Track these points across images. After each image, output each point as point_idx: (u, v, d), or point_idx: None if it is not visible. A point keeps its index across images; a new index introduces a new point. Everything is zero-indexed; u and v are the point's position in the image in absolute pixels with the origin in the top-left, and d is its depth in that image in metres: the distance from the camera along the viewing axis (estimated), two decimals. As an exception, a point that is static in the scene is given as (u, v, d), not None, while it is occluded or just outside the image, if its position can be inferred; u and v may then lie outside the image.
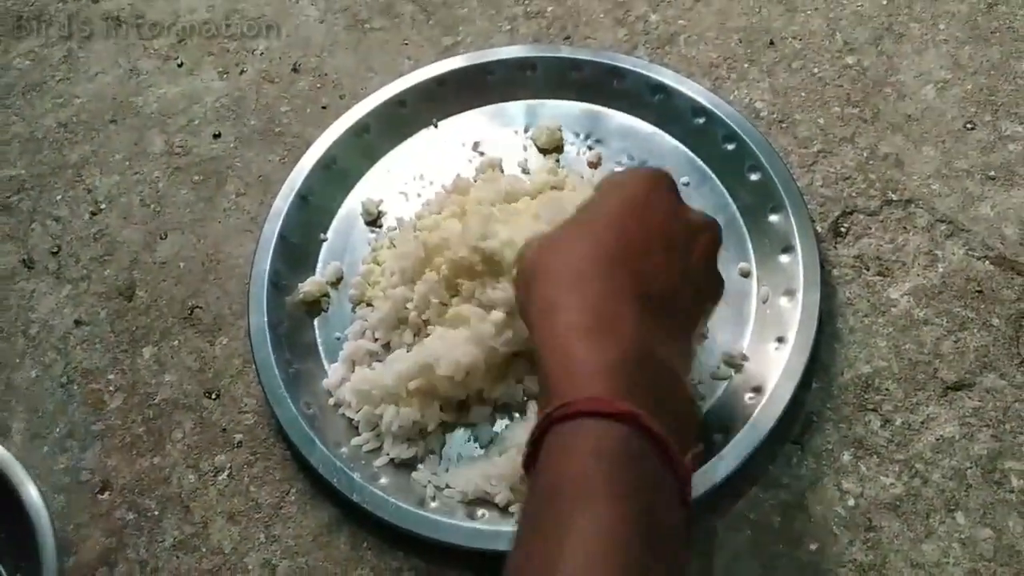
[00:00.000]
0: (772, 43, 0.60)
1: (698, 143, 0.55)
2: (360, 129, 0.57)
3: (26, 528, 0.43)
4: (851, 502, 0.44)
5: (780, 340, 0.47)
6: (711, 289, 0.39)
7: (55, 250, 0.58)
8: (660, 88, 0.56)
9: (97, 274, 0.57)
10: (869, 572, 0.42)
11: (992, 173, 0.53)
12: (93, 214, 0.59)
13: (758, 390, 0.46)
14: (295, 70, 0.64)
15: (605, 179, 0.39)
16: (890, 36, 0.59)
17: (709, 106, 0.55)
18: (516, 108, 0.59)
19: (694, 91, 0.55)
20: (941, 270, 0.50)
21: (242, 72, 0.64)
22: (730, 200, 0.53)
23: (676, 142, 0.56)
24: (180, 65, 0.65)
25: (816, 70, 0.58)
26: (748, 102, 0.58)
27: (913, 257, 0.51)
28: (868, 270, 0.51)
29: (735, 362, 0.48)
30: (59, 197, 0.60)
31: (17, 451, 0.50)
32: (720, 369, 0.48)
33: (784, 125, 0.56)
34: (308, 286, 0.52)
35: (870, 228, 0.52)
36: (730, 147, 0.54)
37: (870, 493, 0.44)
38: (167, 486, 0.49)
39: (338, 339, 0.51)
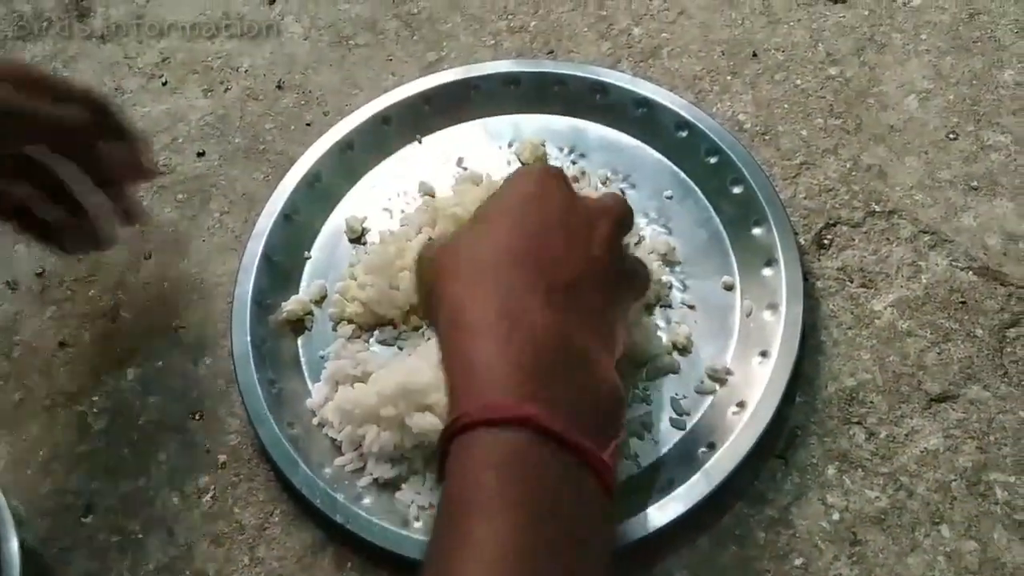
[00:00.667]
0: (755, 55, 0.60)
1: (681, 156, 0.55)
2: (344, 146, 0.57)
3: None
4: (836, 516, 0.44)
5: (764, 354, 0.47)
6: (625, 273, 0.39)
7: (39, 271, 0.58)
8: (643, 102, 0.56)
9: (81, 295, 0.57)
10: (855, 587, 0.42)
11: (975, 183, 0.53)
12: (77, 235, 0.59)
13: (742, 404, 0.46)
14: (279, 87, 0.64)
15: (503, 180, 0.40)
16: (872, 47, 0.59)
17: (691, 119, 0.55)
18: (500, 123, 0.59)
19: (677, 104, 0.56)
20: (925, 281, 0.50)
21: (226, 90, 0.64)
22: (713, 213, 0.53)
23: (659, 155, 0.56)
24: (164, 83, 0.65)
25: (799, 82, 0.59)
26: (731, 114, 0.58)
27: (896, 268, 0.51)
28: (852, 282, 0.51)
29: (719, 376, 0.48)
30: (44, 218, 0.60)
31: (0, 475, 0.51)
32: (704, 383, 0.48)
33: (767, 137, 0.56)
34: (291, 305, 0.52)
35: (853, 240, 0.52)
36: (713, 160, 0.54)
37: (855, 507, 0.44)
38: (151, 508, 0.48)
39: (322, 358, 0.51)
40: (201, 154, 0.61)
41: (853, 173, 0.54)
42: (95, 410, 0.52)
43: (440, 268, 0.36)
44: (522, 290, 0.33)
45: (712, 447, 0.45)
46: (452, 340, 0.33)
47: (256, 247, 0.53)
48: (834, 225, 0.53)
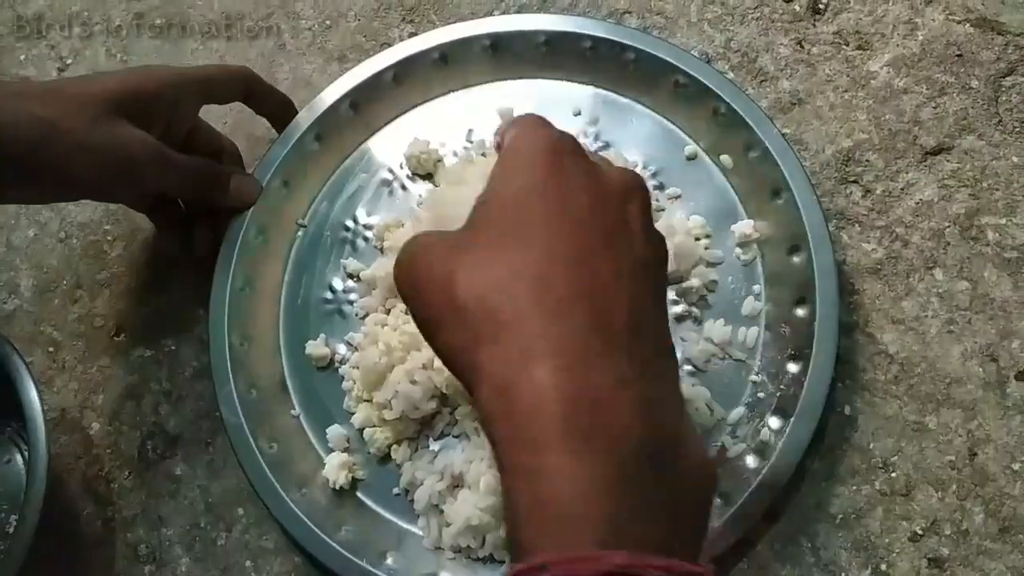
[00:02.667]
0: None
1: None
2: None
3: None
4: (834, 270, 0.46)
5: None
6: (659, 254, 0.30)
7: (28, 110, 0.57)
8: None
9: (75, 130, 0.56)
10: (853, 332, 0.45)
11: (975, -67, 0.51)
12: (60, 70, 0.58)
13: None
14: None
15: (498, 161, 0.30)
16: None
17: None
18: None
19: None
20: (921, 38, 0.49)
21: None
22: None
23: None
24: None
25: None
26: None
27: (892, 27, 0.50)
28: (848, 45, 0.50)
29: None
30: (22, 56, 0.59)
31: (28, 306, 0.52)
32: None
33: (758, -96, 0.54)
34: (332, 470, 0.45)
35: (849, 2, 0.51)
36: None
37: (852, 260, 0.46)
38: (178, 322, 0.50)
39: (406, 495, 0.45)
40: (172, -24, 0.59)
41: (848, -66, 0.52)
42: (109, 238, 0.53)
43: (459, 301, 0.26)
44: (587, 353, 0.25)
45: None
46: (508, 451, 0.25)
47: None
48: (829, -10, 0.52)
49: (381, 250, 0.50)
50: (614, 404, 0.24)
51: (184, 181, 0.45)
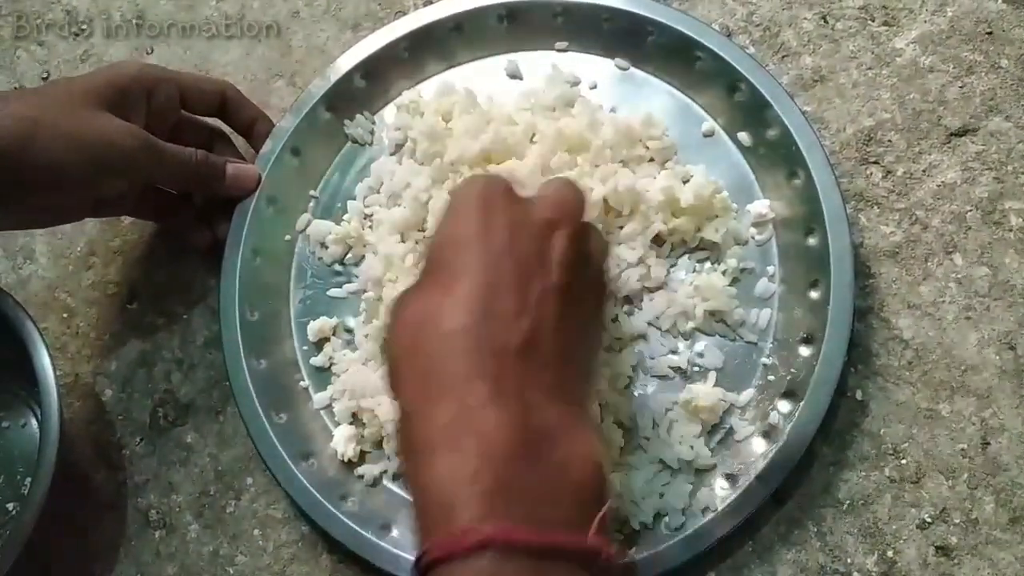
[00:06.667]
0: None
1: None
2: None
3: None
4: (851, 253, 0.45)
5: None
6: (590, 286, 0.34)
7: (45, 76, 0.58)
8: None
9: (90, 96, 0.56)
10: (867, 316, 0.44)
11: (1011, -95, 0.49)
12: (76, 35, 0.58)
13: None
14: None
15: (442, 207, 0.35)
16: None
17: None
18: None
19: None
20: (950, 14, 0.48)
21: None
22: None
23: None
24: None
25: None
26: None
27: (921, 3, 0.48)
28: (874, 21, 0.49)
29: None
30: (38, 21, 0.59)
31: (44, 271, 0.53)
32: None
33: None
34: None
35: (877, -24, 0.49)
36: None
37: (870, 243, 0.45)
38: (190, 291, 0.51)
39: None
40: (187, -60, 0.59)
41: (878, -96, 0.51)
42: (123, 206, 0.53)
43: (392, 355, 0.32)
44: (469, 379, 0.29)
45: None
46: (407, 461, 0.30)
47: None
48: (857, -37, 0.50)
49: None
50: (487, 411, 0.29)
51: (177, 170, 0.45)
